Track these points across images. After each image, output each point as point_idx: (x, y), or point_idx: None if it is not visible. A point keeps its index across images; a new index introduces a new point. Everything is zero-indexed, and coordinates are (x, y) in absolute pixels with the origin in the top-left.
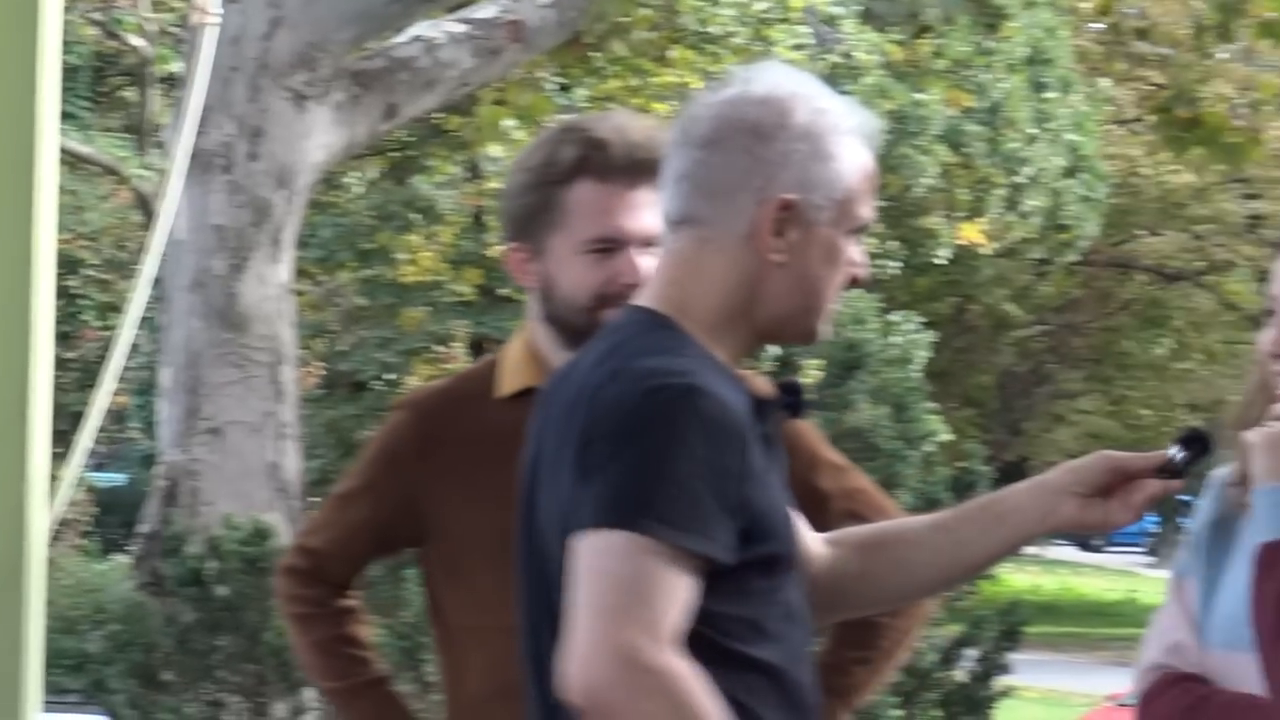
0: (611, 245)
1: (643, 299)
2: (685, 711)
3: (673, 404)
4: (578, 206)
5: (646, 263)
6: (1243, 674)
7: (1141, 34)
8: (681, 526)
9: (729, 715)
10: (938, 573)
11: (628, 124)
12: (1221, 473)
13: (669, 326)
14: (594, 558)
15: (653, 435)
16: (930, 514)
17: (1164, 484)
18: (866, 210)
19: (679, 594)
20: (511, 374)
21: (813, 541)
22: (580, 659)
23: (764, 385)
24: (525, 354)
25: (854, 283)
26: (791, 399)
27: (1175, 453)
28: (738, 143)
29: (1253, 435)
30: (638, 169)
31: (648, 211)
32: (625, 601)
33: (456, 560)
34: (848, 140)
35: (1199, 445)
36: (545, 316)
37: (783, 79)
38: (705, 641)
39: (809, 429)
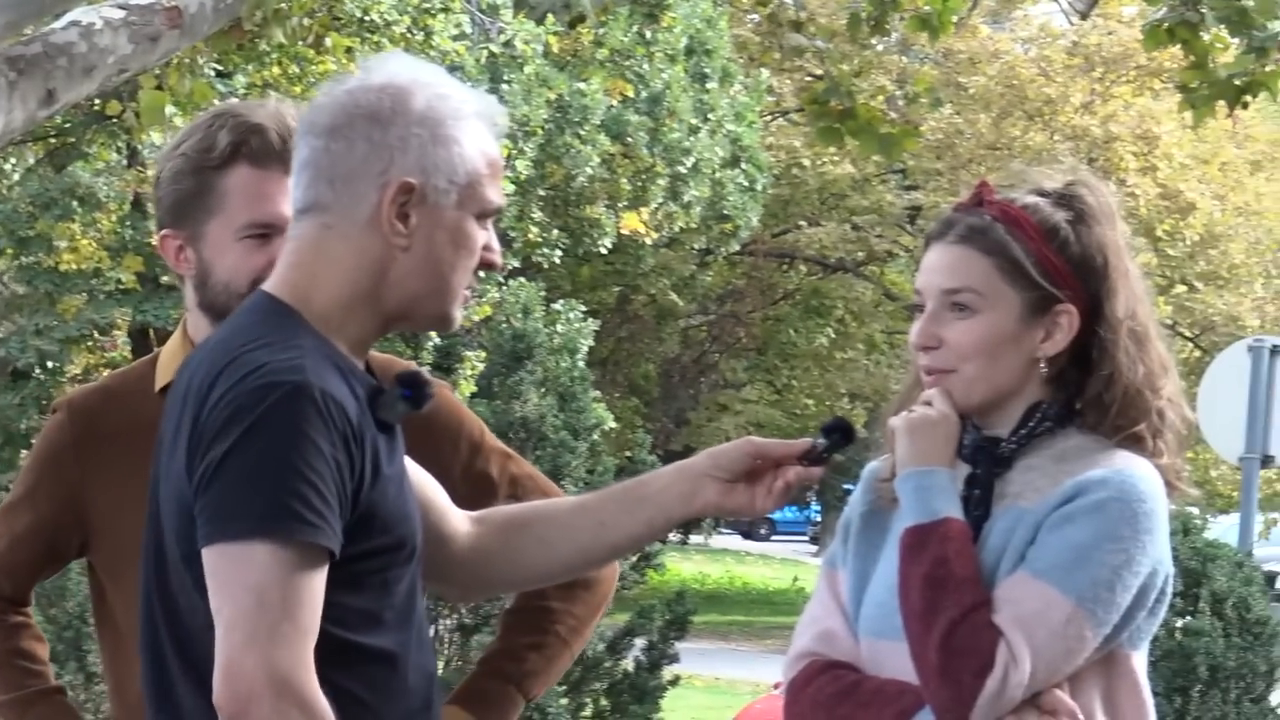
0: (269, 230)
1: (268, 285)
2: None
3: (283, 402)
4: (234, 192)
5: None
6: (893, 661)
7: (797, 26)
8: (308, 523)
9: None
10: (580, 552)
11: (283, 110)
12: (874, 465)
13: (285, 315)
14: (231, 570)
15: (265, 435)
16: (575, 495)
17: (805, 471)
18: (495, 194)
19: (316, 595)
20: (167, 366)
21: (457, 519)
22: (232, 680)
23: (386, 370)
24: (182, 345)
25: (487, 267)
26: (410, 391)
27: (818, 441)
28: (357, 130)
29: (895, 421)
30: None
31: None
32: (272, 619)
33: (120, 561)
34: (470, 125)
35: (841, 434)
36: (201, 304)
37: (403, 68)
38: (322, 633)
39: (471, 417)
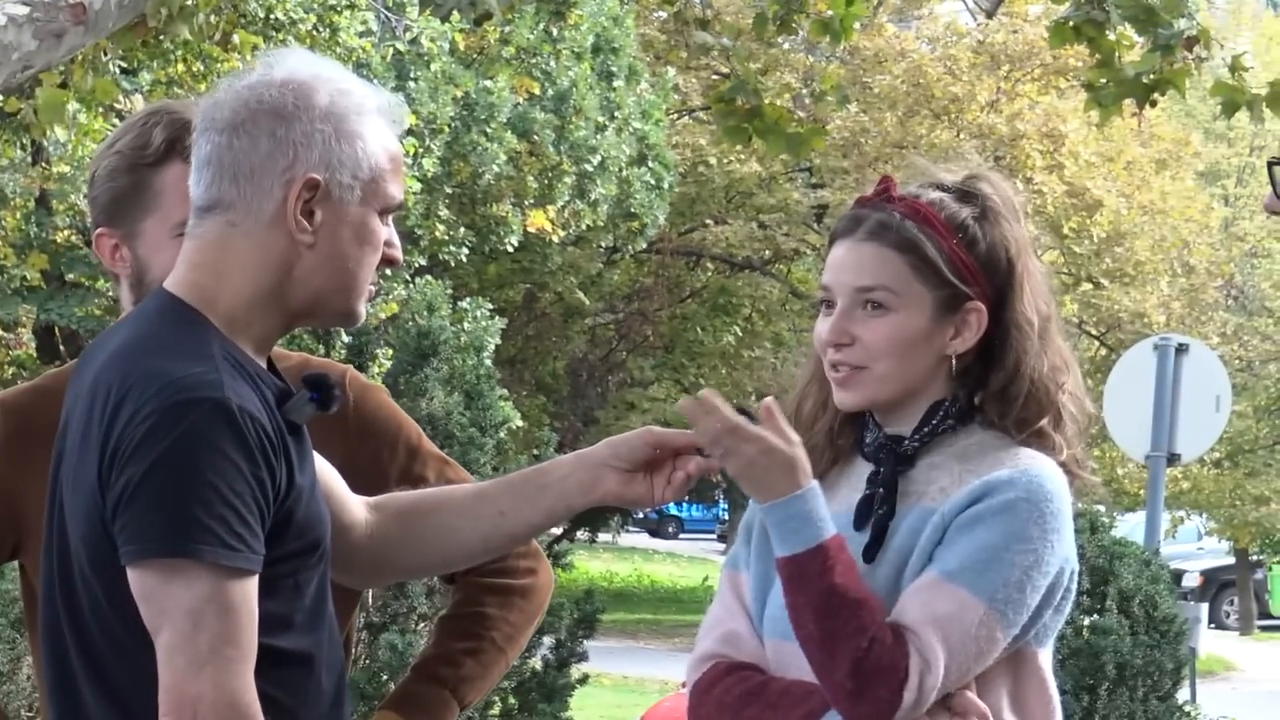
0: None
1: (170, 285)
2: None
3: (202, 420)
4: (170, 189)
5: None
6: (799, 661)
7: (703, 24)
8: (230, 546)
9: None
10: (480, 540)
11: None
12: None
13: (190, 318)
14: (163, 592)
15: (186, 454)
16: (474, 483)
17: (706, 462)
18: (396, 190)
19: (252, 615)
20: None
21: (356, 507)
22: (179, 706)
23: (295, 368)
24: None
25: (389, 263)
26: (318, 393)
27: None
28: (260, 126)
29: (731, 467)
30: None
31: None
32: (212, 642)
33: None
34: (372, 120)
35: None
36: (136, 303)
37: (303, 63)
38: None
39: (409, 422)
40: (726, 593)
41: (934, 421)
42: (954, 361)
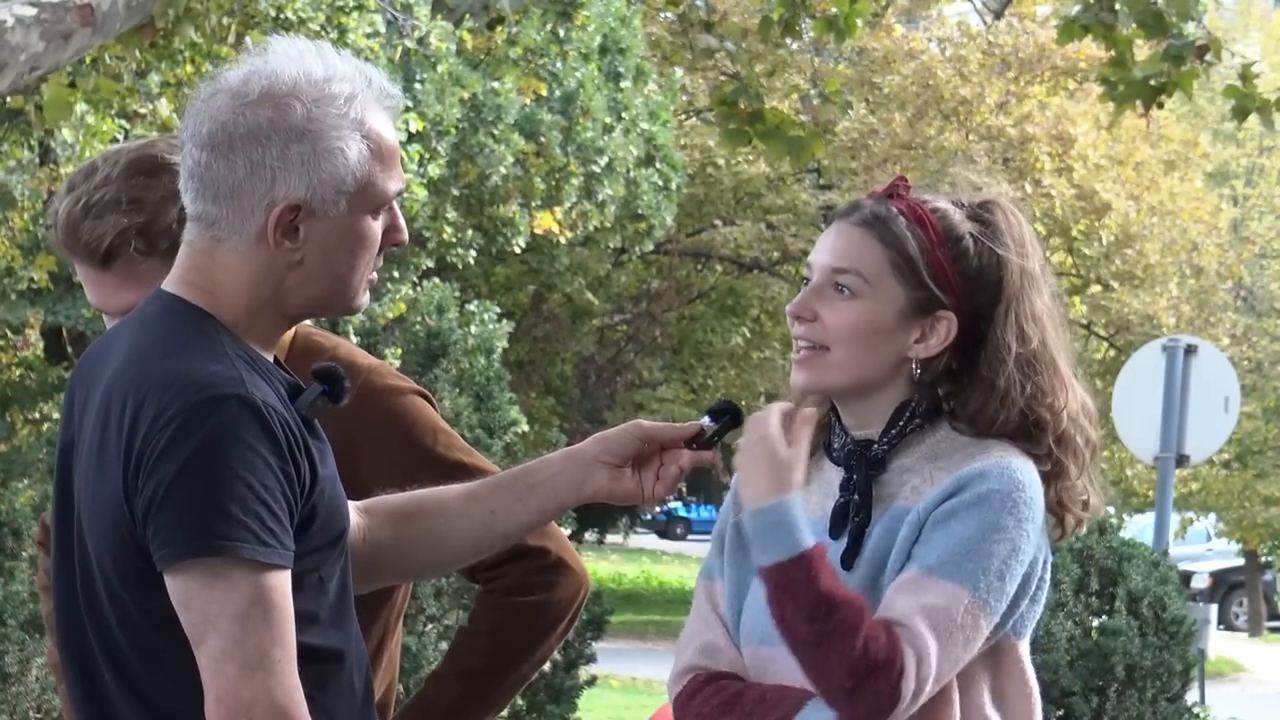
0: None
1: (171, 287)
2: None
3: (229, 418)
4: None
5: None
6: (777, 667)
7: (707, 26)
8: (269, 542)
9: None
10: (472, 542)
11: None
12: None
13: (198, 319)
14: (206, 596)
15: (217, 453)
16: (463, 484)
17: (695, 455)
18: (392, 183)
19: (291, 614)
20: None
21: (349, 510)
22: (232, 714)
23: (316, 355)
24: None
25: (395, 246)
26: (329, 386)
27: (706, 424)
28: (237, 149)
29: (736, 459)
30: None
31: None
32: (261, 646)
33: None
34: (353, 124)
35: (731, 417)
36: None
37: (285, 68)
38: None
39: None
40: (702, 604)
41: (901, 423)
42: (916, 365)
